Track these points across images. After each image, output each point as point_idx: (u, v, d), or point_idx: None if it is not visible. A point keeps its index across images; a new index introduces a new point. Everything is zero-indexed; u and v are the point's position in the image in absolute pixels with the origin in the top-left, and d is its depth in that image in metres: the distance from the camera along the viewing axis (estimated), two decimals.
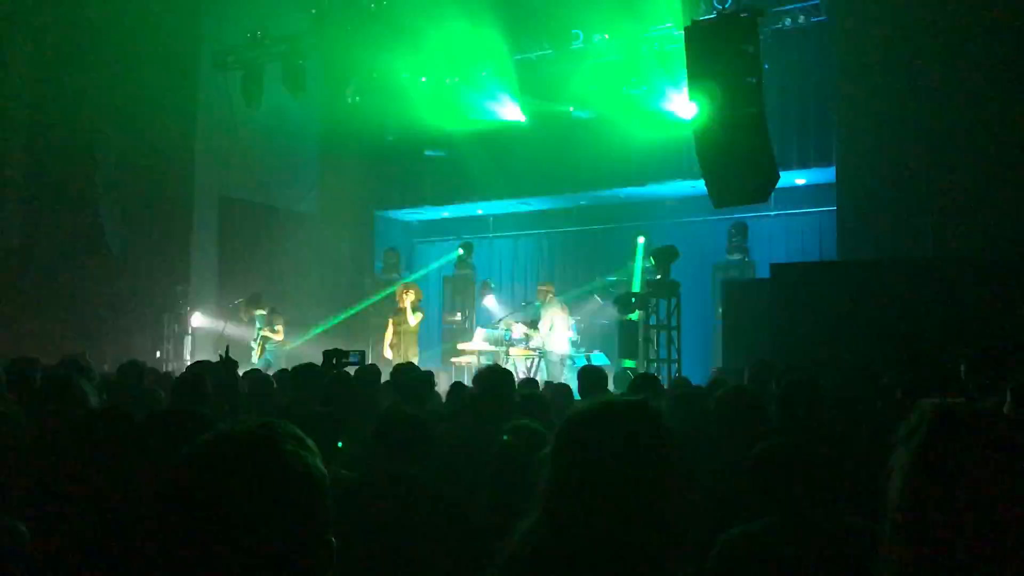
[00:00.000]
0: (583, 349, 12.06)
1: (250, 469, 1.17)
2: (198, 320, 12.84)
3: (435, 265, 16.10)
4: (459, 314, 14.99)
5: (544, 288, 11.81)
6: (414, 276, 14.99)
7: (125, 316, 12.37)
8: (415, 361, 10.44)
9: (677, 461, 1.64)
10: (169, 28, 12.39)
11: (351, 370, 5.71)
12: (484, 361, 11.32)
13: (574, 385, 6.25)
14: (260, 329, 12.06)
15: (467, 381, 7.40)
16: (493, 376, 4.44)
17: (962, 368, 4.40)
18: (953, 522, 1.45)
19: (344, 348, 5.90)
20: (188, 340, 12.79)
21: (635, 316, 11.11)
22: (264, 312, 12.16)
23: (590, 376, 5.96)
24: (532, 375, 10.51)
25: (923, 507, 1.49)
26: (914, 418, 1.61)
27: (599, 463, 1.58)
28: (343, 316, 13.99)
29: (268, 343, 11.99)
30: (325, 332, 13.15)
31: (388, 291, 14.22)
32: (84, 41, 11.92)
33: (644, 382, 5.51)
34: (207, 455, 1.20)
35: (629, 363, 10.75)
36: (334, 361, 5.60)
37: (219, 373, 5.10)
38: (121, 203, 12.30)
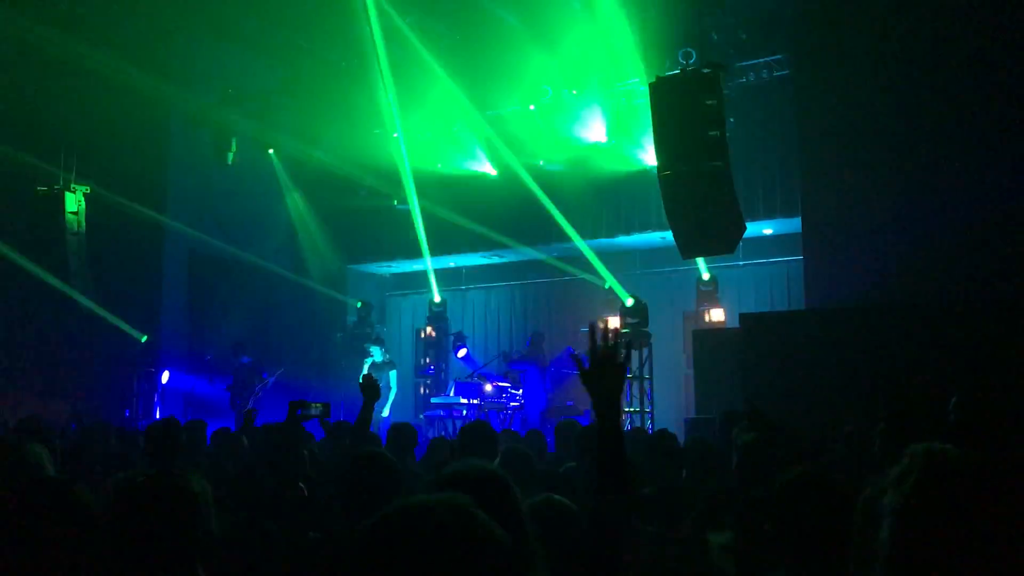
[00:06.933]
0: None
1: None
2: (167, 377, 12.66)
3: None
4: (432, 367, 14.92)
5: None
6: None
7: (92, 373, 12.17)
8: None
9: None
10: (140, 84, 12.40)
11: None
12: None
13: None
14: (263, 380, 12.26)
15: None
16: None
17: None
18: (946, 565, 1.46)
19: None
20: (157, 398, 12.59)
21: None
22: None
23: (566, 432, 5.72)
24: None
25: (915, 551, 1.50)
26: (905, 463, 1.62)
27: None
28: None
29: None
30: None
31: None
32: (56, 88, 11.85)
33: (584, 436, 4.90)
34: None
35: None
36: (298, 413, 5.51)
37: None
38: (90, 258, 12.16)
